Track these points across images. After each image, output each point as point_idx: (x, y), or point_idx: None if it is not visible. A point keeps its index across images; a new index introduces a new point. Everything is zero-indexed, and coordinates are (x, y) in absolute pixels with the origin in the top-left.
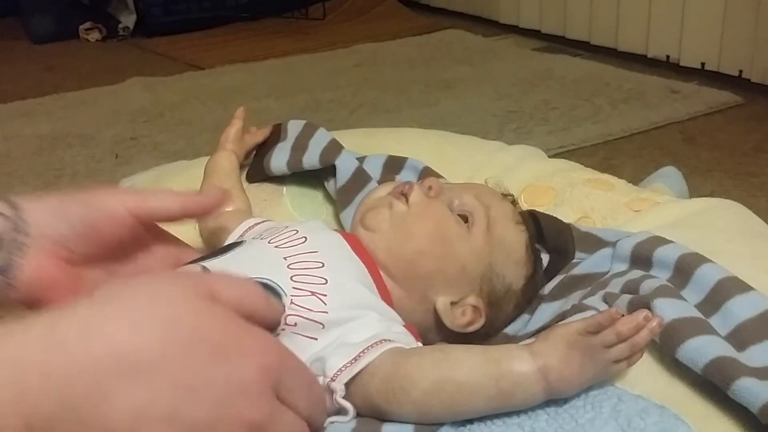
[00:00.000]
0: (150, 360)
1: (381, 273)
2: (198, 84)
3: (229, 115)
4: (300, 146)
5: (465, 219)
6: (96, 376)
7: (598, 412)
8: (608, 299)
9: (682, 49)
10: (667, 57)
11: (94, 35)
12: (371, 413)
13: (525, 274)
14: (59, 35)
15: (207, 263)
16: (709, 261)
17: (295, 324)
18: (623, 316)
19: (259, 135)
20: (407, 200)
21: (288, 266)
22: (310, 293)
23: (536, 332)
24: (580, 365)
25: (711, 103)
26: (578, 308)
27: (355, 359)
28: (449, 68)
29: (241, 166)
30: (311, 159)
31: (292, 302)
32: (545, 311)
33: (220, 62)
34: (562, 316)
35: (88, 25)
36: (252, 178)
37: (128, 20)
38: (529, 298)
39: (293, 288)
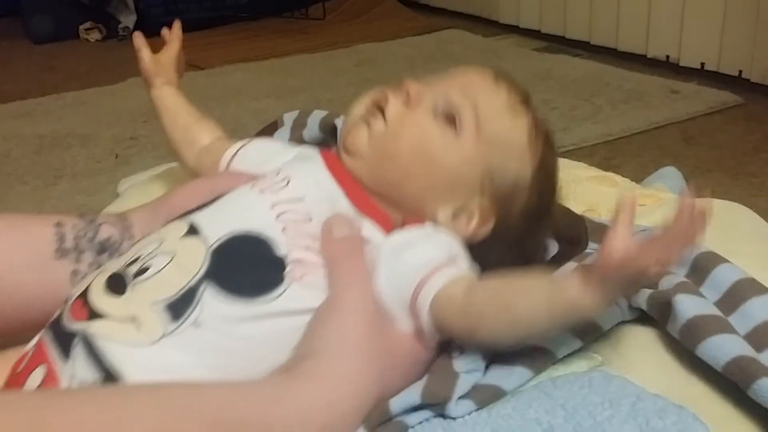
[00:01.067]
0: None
1: (372, 198)
2: (198, 84)
3: (230, 115)
4: (299, 125)
5: (453, 120)
6: None
7: (617, 410)
8: None
9: (682, 49)
10: (667, 57)
11: (94, 35)
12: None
13: (532, 163)
14: (59, 35)
15: (194, 216)
16: (727, 261)
17: (302, 277)
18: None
19: (173, 43)
20: (385, 115)
21: (276, 217)
22: (304, 248)
23: None
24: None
25: (711, 103)
26: None
27: (421, 282)
28: (449, 68)
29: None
30: (311, 131)
31: (287, 262)
32: None
33: (220, 62)
34: None
35: (88, 25)
36: None
37: (128, 20)
38: (542, 187)
39: (288, 243)
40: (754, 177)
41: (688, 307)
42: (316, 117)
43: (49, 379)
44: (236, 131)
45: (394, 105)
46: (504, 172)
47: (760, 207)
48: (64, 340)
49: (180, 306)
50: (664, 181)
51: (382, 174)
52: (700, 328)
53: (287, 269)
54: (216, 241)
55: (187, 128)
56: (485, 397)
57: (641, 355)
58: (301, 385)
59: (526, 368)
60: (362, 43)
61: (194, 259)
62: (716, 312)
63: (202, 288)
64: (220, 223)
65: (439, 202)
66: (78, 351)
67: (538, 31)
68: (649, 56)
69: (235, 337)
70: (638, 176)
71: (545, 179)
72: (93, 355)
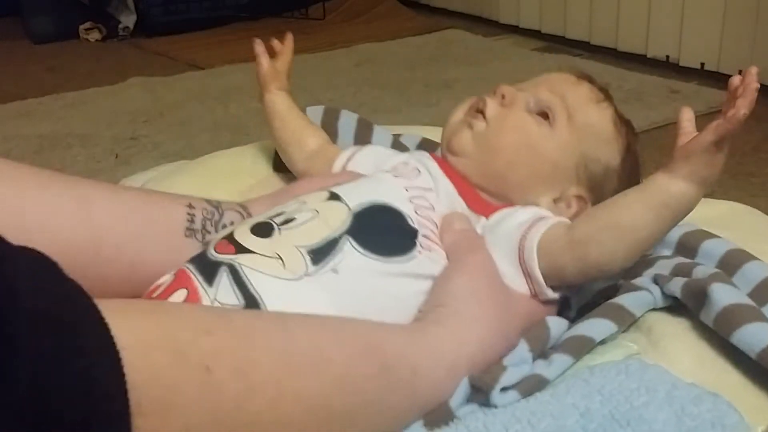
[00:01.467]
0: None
1: (480, 194)
2: (198, 84)
3: (230, 115)
4: (330, 132)
5: (546, 116)
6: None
7: (653, 396)
8: (659, 281)
9: (681, 49)
10: (667, 57)
11: (94, 35)
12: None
13: (619, 149)
14: (59, 35)
15: (334, 188)
16: (756, 259)
17: (430, 250)
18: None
19: (287, 51)
20: (485, 116)
21: (409, 199)
22: (430, 230)
23: (579, 312)
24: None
25: (711, 103)
26: (628, 287)
27: (523, 236)
28: (449, 68)
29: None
30: (345, 145)
31: (419, 234)
32: (587, 285)
33: (220, 62)
34: (606, 293)
35: (88, 25)
36: (280, 168)
37: (128, 20)
38: (630, 170)
39: (417, 222)
40: (754, 177)
41: (724, 296)
42: (347, 124)
43: (192, 300)
44: (236, 131)
45: (492, 106)
46: (596, 158)
47: (760, 207)
48: (209, 268)
49: (322, 252)
50: None
51: (489, 168)
52: (735, 315)
53: (419, 239)
54: (357, 206)
55: (296, 131)
56: (529, 386)
57: (675, 344)
58: (433, 329)
59: (566, 355)
60: (362, 43)
61: (337, 217)
62: (751, 302)
63: (343, 241)
64: (360, 194)
65: (540, 191)
66: (224, 277)
67: (538, 31)
68: (649, 56)
69: (369, 288)
70: None
71: (632, 164)
72: (238, 282)
